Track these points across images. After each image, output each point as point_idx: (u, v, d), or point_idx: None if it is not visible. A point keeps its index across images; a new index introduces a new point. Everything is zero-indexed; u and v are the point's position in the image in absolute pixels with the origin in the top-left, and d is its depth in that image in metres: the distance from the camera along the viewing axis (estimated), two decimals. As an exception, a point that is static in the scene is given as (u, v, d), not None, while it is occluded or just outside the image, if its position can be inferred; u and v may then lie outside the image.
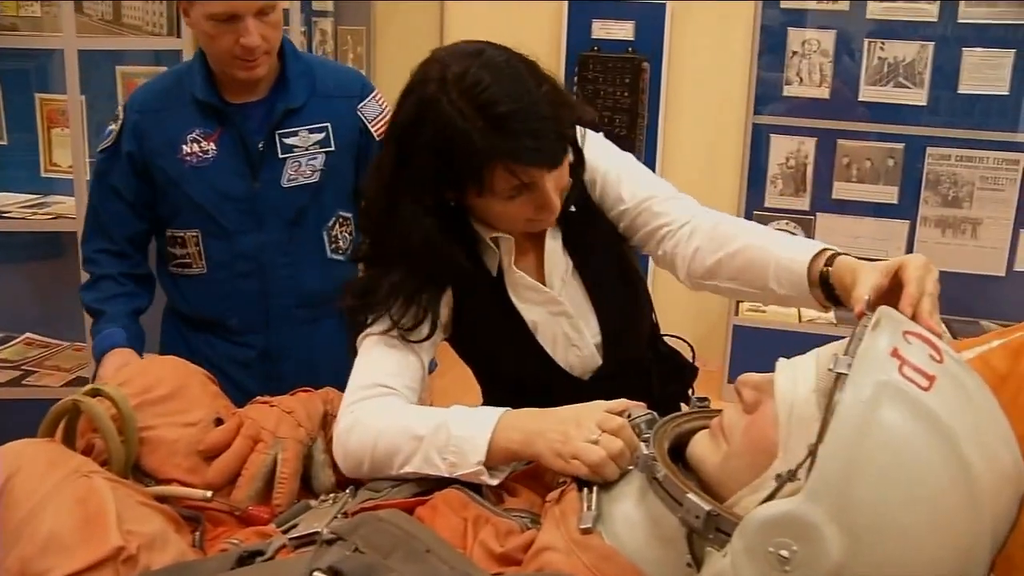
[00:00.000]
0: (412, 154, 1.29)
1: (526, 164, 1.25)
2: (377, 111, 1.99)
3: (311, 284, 1.96)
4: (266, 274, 1.94)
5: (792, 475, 0.86)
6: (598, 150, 1.48)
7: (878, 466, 0.83)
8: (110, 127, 1.95)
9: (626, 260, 1.54)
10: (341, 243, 2.02)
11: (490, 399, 1.55)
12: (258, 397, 1.40)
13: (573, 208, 1.43)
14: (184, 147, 1.89)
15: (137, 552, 1.01)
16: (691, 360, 1.64)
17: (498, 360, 1.49)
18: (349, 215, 2.02)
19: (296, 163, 1.92)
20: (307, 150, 1.92)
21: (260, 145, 1.90)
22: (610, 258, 1.51)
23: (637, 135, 4.50)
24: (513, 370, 1.48)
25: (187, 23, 1.85)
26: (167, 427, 1.27)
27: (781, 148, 4.46)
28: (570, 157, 1.32)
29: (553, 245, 1.46)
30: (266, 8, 1.77)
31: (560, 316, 1.44)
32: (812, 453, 0.83)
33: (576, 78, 4.50)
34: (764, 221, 4.45)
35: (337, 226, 2.01)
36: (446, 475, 1.16)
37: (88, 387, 1.26)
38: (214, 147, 1.89)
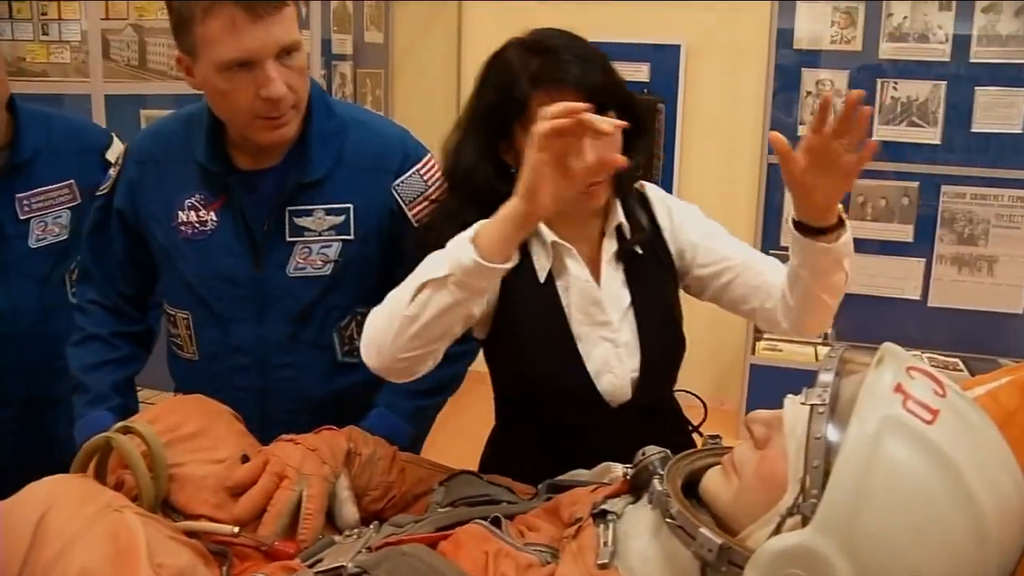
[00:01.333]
0: (479, 93, 1.45)
1: (566, 84, 1.35)
2: (418, 189, 1.62)
3: (315, 390, 1.65)
4: (266, 372, 1.63)
5: (800, 508, 0.88)
6: (686, 211, 1.59)
7: (884, 498, 0.86)
8: (109, 172, 1.72)
9: (676, 306, 1.58)
10: (358, 343, 1.55)
11: (504, 408, 1.62)
12: (283, 435, 1.42)
13: (639, 249, 1.51)
14: (180, 214, 1.60)
15: (167, 585, 1.04)
16: (703, 416, 1.66)
17: (534, 364, 1.48)
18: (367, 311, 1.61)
19: (306, 250, 1.59)
20: (320, 235, 1.59)
21: (265, 224, 1.58)
22: (663, 301, 1.55)
23: (653, 175, 4.53)
24: (547, 376, 1.48)
25: (192, 84, 1.49)
26: (195, 464, 1.30)
27: (796, 187, 4.49)
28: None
29: (613, 275, 1.51)
30: (289, 47, 1.44)
31: (608, 342, 1.48)
32: (820, 487, 0.87)
33: (592, 119, 4.56)
34: (780, 260, 4.46)
35: (353, 325, 1.66)
36: (448, 274, 1.20)
37: (119, 424, 1.29)
38: (214, 218, 1.59)
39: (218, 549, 1.22)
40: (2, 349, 1.91)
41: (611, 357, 1.48)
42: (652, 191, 1.61)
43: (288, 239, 1.58)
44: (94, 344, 1.71)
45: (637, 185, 1.58)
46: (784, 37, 4.31)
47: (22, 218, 1.92)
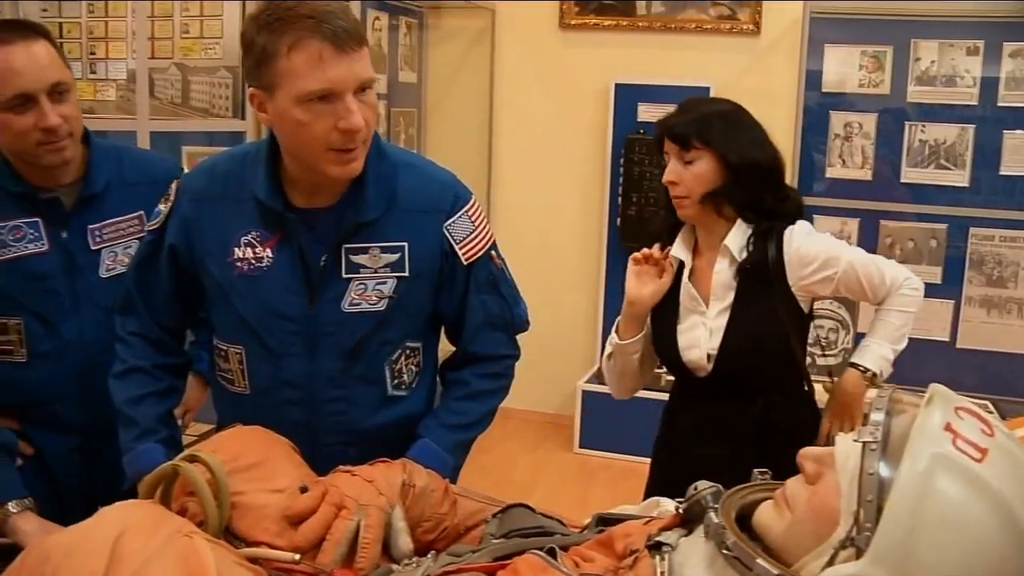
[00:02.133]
0: None
1: None
2: (468, 230, 1.70)
3: (365, 423, 1.69)
4: (315, 407, 1.67)
5: (854, 541, 0.93)
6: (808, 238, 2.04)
7: (936, 532, 0.91)
8: (160, 207, 1.74)
9: (774, 312, 2.02)
10: (406, 377, 1.73)
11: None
12: (340, 467, 1.46)
13: (749, 266, 2.01)
14: (236, 250, 1.64)
15: (236, 608, 1.08)
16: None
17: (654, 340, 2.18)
18: (418, 345, 1.75)
19: (362, 286, 1.63)
20: (376, 272, 1.63)
21: (323, 261, 1.62)
22: (759, 305, 2.01)
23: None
24: (657, 350, 2.19)
25: (264, 120, 1.56)
26: (256, 493, 1.35)
27: (824, 228, 4.47)
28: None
29: (723, 281, 2.05)
30: (365, 84, 1.50)
31: (701, 327, 2.07)
32: (873, 520, 0.91)
33: (623, 160, 4.63)
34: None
35: (403, 359, 1.71)
36: (611, 352, 2.22)
37: (185, 452, 1.34)
38: (270, 255, 1.63)
39: (279, 576, 1.26)
40: (70, 378, 1.94)
41: (700, 338, 2.06)
42: (794, 228, 2.03)
43: (344, 275, 1.62)
44: (137, 376, 1.74)
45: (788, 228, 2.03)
46: (812, 80, 4.37)
47: (93, 248, 1.95)
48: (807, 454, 1.05)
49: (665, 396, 2.28)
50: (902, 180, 4.40)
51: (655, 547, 1.12)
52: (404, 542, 1.39)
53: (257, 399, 1.69)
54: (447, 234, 1.68)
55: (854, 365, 2.09)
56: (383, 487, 1.40)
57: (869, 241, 4.43)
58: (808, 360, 4.36)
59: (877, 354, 2.07)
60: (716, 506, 1.09)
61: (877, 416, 0.98)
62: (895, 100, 4.36)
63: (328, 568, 1.30)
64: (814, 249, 2.00)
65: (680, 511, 1.17)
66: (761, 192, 2.02)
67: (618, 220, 4.68)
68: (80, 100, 3.03)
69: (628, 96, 4.64)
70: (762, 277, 2.00)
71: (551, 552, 1.18)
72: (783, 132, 4.46)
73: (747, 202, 2.02)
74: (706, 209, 2.02)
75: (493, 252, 1.75)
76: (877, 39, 4.33)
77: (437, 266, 1.68)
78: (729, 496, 1.12)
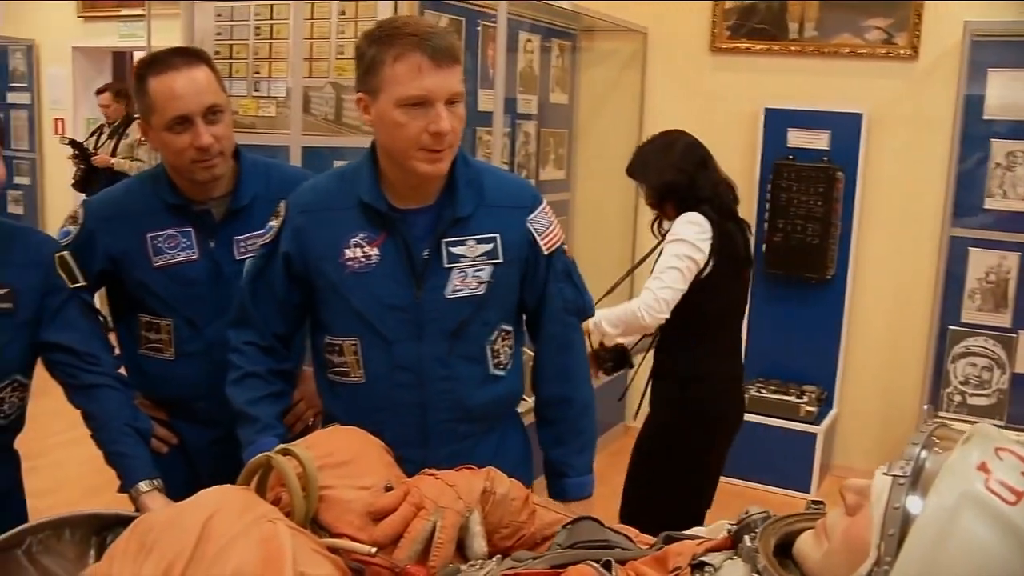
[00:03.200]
0: None
1: None
2: (547, 223, 1.92)
3: (471, 399, 1.87)
4: (425, 386, 1.84)
5: (873, 574, 0.92)
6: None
7: (957, 572, 0.89)
8: (271, 223, 1.90)
9: None
10: (503, 358, 1.91)
11: None
12: (426, 469, 1.55)
13: None
14: (347, 251, 1.81)
15: (307, 591, 1.17)
16: None
17: None
18: (511, 328, 1.93)
19: (462, 274, 1.82)
20: (474, 261, 1.83)
21: (425, 253, 1.81)
22: None
23: (829, 244, 4.49)
24: None
25: (367, 121, 1.78)
26: (344, 488, 1.44)
27: (981, 262, 4.34)
28: None
29: None
30: (456, 97, 1.72)
31: None
32: (893, 554, 0.91)
33: (770, 185, 4.57)
34: (961, 337, 4.33)
35: (500, 340, 1.90)
36: None
37: (280, 447, 1.45)
38: (377, 253, 1.81)
39: (357, 567, 1.35)
40: (212, 376, 2.07)
41: None
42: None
43: (446, 265, 1.82)
44: (253, 381, 1.91)
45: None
46: (972, 105, 4.21)
47: (238, 258, 2.07)
48: (850, 486, 1.05)
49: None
50: (1069, 211, 4.18)
51: (699, 567, 1.14)
52: (479, 545, 1.45)
53: (373, 386, 1.85)
54: (530, 227, 1.89)
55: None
56: (463, 492, 1.46)
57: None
58: (959, 399, 4.25)
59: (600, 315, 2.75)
60: (757, 531, 1.11)
61: (911, 450, 0.97)
62: (1064, 128, 4.15)
63: (402, 564, 1.37)
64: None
65: (730, 533, 1.19)
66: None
67: (763, 247, 4.62)
68: (243, 116, 3.26)
69: (778, 121, 4.59)
70: None
71: (607, 565, 1.22)
72: (938, 160, 4.32)
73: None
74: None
75: (565, 246, 1.97)
76: (1045, 63, 4.14)
77: (524, 255, 1.88)
78: (774, 522, 1.13)
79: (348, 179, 1.86)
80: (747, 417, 3.08)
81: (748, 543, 1.08)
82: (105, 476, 1.91)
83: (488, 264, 1.84)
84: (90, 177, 6.78)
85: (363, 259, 1.82)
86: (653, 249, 2.98)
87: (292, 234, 1.86)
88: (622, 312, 2.78)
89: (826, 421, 4.51)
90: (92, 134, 7.03)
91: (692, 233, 2.73)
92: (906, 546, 0.91)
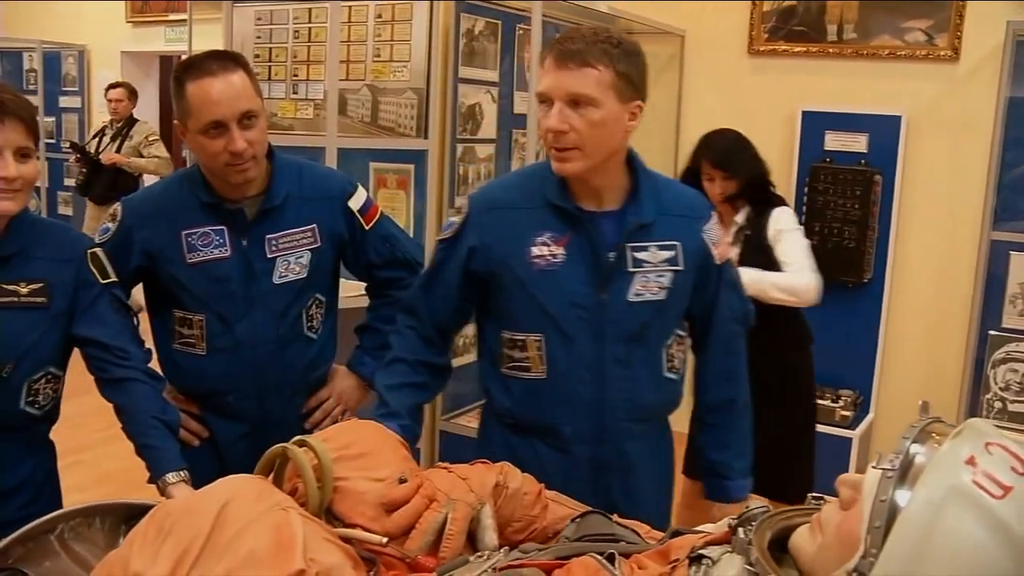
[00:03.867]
0: None
1: None
2: (718, 234, 1.99)
3: (646, 400, 1.94)
4: (604, 385, 1.90)
5: (858, 567, 0.93)
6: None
7: (941, 566, 0.89)
8: (452, 220, 1.99)
9: None
10: (676, 362, 1.99)
11: None
12: (439, 463, 1.57)
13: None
14: (533, 249, 1.87)
15: (315, 577, 1.20)
16: None
17: None
18: (683, 335, 2.02)
19: (644, 278, 1.88)
20: (656, 267, 1.89)
21: (611, 257, 1.86)
22: None
23: (866, 247, 4.46)
24: None
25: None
26: (358, 480, 1.46)
27: (1022, 266, 4.27)
28: None
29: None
30: (579, 99, 1.77)
31: None
32: (879, 547, 0.91)
33: (807, 188, 4.54)
34: (1001, 342, 4.27)
35: (675, 344, 1.98)
36: None
37: (297, 438, 1.48)
38: (563, 252, 1.87)
39: (368, 556, 1.37)
40: (242, 372, 2.15)
41: None
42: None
43: (630, 269, 1.88)
44: (399, 367, 2.00)
45: None
46: (1015, 108, 4.15)
47: (269, 256, 2.14)
48: (845, 480, 1.06)
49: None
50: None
51: (697, 559, 1.15)
52: (490, 538, 1.47)
53: (554, 382, 1.91)
54: (704, 237, 1.96)
55: None
56: (475, 485, 1.49)
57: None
58: (999, 405, 4.20)
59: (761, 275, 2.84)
60: (753, 524, 1.12)
61: (902, 444, 0.98)
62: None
63: (413, 554, 1.40)
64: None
65: (731, 527, 1.20)
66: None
67: (800, 249, 4.59)
68: (281, 118, 3.32)
69: (815, 124, 4.56)
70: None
71: (610, 558, 1.24)
72: (979, 163, 4.26)
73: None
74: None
75: (732, 257, 2.09)
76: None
77: (698, 263, 1.95)
78: (771, 516, 1.14)
79: (533, 179, 1.94)
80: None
81: (741, 535, 1.09)
82: (145, 472, 1.96)
83: (669, 271, 1.90)
84: (92, 180, 6.77)
85: (550, 257, 1.87)
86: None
87: (477, 229, 1.93)
88: (792, 282, 2.86)
89: (862, 426, 4.47)
90: (94, 136, 7.01)
91: (796, 222, 3.01)
92: (891, 538, 0.91)
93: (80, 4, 8.30)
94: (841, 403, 4.45)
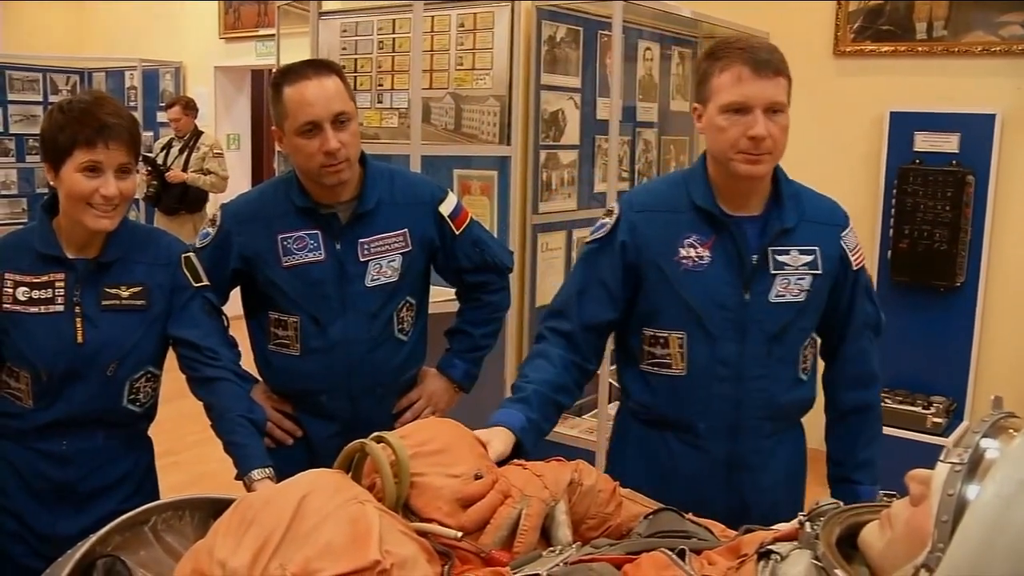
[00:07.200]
0: None
1: None
2: (855, 241, 2.03)
3: (781, 399, 1.98)
4: (742, 383, 1.95)
5: (927, 561, 0.92)
6: None
7: (1012, 561, 0.87)
8: (604, 220, 2.04)
9: None
10: (809, 364, 2.03)
11: None
12: (515, 460, 1.60)
13: None
14: (681, 250, 1.94)
15: (390, 568, 1.22)
16: None
17: None
18: (817, 338, 2.07)
19: (785, 281, 1.94)
20: (796, 270, 1.95)
21: (755, 259, 1.92)
22: None
23: (959, 250, 4.35)
24: None
25: (699, 129, 1.94)
26: (435, 475, 1.49)
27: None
28: None
29: None
30: (776, 106, 1.83)
31: None
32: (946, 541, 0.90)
33: (895, 191, 4.45)
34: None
35: (809, 347, 2.03)
36: None
37: (375, 435, 1.52)
38: (709, 254, 1.93)
39: (444, 550, 1.40)
40: (335, 373, 2.21)
41: None
42: None
43: (772, 271, 1.94)
44: (539, 361, 2.01)
45: None
46: (1116, 106, 4.01)
47: (362, 260, 2.20)
48: (914, 475, 1.05)
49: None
50: None
51: (766, 555, 1.15)
52: (564, 534, 1.49)
53: (694, 379, 1.97)
54: (843, 243, 2.01)
55: None
56: (549, 482, 1.51)
57: None
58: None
59: None
60: (822, 520, 1.12)
61: (971, 438, 0.97)
62: None
63: (487, 548, 1.42)
64: None
65: (800, 524, 1.19)
66: None
67: (889, 253, 4.51)
68: (367, 127, 3.40)
69: (904, 125, 4.47)
70: None
71: (680, 553, 1.25)
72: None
73: None
74: None
75: (866, 263, 2.09)
76: None
77: (836, 269, 2.00)
78: (841, 511, 1.14)
79: (681, 184, 2.01)
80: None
81: (808, 530, 1.09)
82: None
83: (809, 274, 1.95)
84: (161, 192, 7.00)
85: (696, 258, 1.94)
86: None
87: (628, 228, 2.00)
88: None
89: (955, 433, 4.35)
90: (162, 149, 7.22)
91: None
92: (959, 533, 0.90)
93: (177, 23, 8.60)
94: (932, 410, 4.34)
